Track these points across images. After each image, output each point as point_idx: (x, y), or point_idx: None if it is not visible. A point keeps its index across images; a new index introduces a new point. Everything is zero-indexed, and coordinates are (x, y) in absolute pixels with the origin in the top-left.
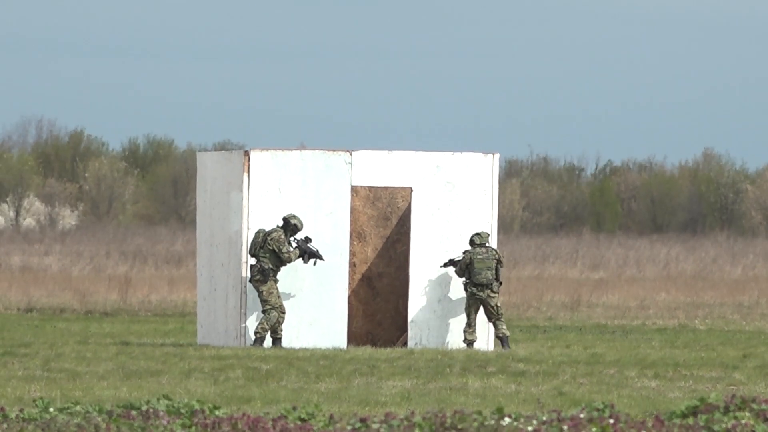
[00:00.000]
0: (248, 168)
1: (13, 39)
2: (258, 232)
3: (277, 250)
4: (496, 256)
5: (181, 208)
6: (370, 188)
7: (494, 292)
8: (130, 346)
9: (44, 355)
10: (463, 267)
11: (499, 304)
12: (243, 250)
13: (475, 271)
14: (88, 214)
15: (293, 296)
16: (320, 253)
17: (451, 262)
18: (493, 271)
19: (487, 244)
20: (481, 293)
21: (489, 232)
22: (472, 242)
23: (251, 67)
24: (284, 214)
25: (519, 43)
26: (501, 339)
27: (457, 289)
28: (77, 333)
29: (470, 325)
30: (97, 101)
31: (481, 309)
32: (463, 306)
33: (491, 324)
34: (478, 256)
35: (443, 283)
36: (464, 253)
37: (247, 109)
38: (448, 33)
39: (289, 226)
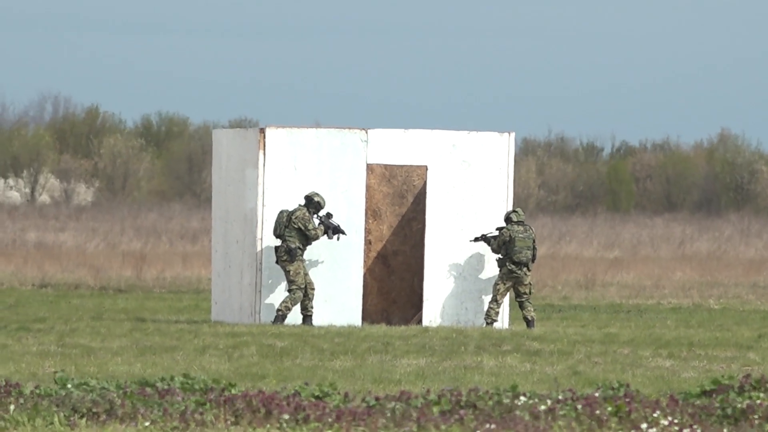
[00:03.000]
0: (263, 145)
1: (30, 16)
2: (281, 213)
3: (303, 228)
4: (533, 235)
5: (195, 185)
6: (386, 166)
7: (530, 271)
8: (144, 322)
9: (59, 330)
10: (501, 244)
11: (532, 283)
12: (258, 227)
13: (516, 249)
14: (103, 191)
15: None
16: (342, 227)
17: (484, 238)
18: (532, 250)
19: (525, 222)
20: (519, 271)
21: (519, 210)
22: (509, 219)
23: (267, 43)
24: (306, 192)
25: (536, 21)
26: (528, 321)
27: (472, 267)
28: (92, 309)
29: (498, 304)
30: (113, 78)
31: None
32: (478, 284)
33: (518, 303)
34: (520, 235)
35: (459, 261)
36: (499, 229)
37: (263, 86)
38: (465, 11)
39: (312, 203)
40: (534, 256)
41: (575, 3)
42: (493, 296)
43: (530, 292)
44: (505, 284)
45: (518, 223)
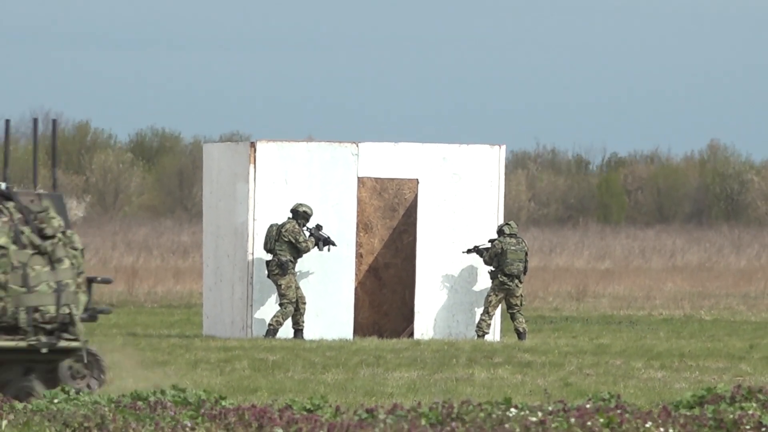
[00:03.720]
0: (254, 159)
1: (20, 32)
2: (271, 227)
3: (294, 241)
4: (526, 248)
5: (187, 199)
6: (377, 180)
7: (521, 283)
8: (136, 337)
9: None
10: (493, 256)
11: (523, 294)
12: (249, 241)
13: (508, 261)
14: (95, 206)
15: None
16: (332, 239)
17: (476, 249)
18: (524, 263)
19: (517, 235)
20: (510, 283)
21: (512, 223)
22: (501, 232)
23: (258, 58)
24: (291, 206)
25: (526, 34)
26: (519, 333)
27: (463, 280)
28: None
29: (489, 316)
30: (104, 94)
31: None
32: (469, 297)
33: (510, 315)
34: (512, 247)
35: (450, 274)
36: (491, 241)
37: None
38: (456, 24)
39: (299, 214)
40: (526, 268)
41: (566, 16)
42: (485, 308)
43: (521, 304)
44: (497, 296)
45: (511, 235)
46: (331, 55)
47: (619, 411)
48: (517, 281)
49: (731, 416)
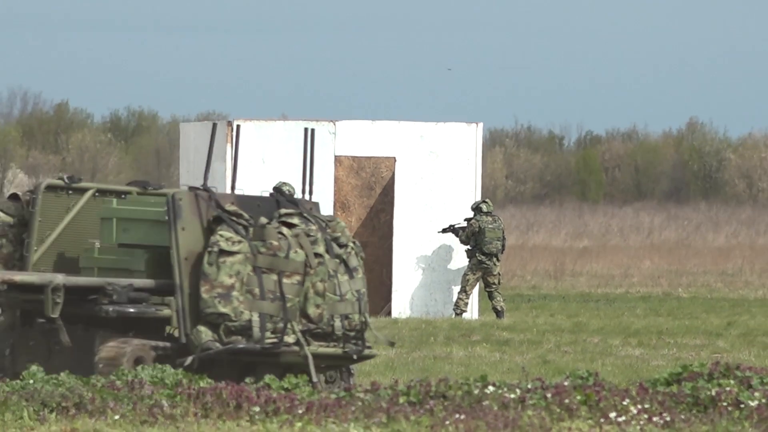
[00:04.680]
0: (231, 138)
1: None
2: None
3: None
4: (503, 226)
5: (164, 179)
6: (354, 158)
7: (499, 261)
8: None
9: None
10: (470, 234)
11: (501, 273)
12: None
13: (486, 240)
14: None
15: None
16: None
17: (452, 229)
18: (502, 241)
19: (493, 213)
20: (488, 262)
21: (489, 201)
22: (479, 209)
23: (235, 38)
24: (274, 184)
25: (502, 12)
26: (497, 311)
27: (440, 258)
28: None
29: (467, 295)
30: (82, 74)
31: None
32: (447, 275)
33: (487, 293)
34: (489, 225)
35: (427, 252)
36: (467, 220)
37: (231, 80)
38: (432, 3)
39: (283, 194)
40: (503, 246)
41: None
42: (462, 287)
43: (499, 283)
44: (474, 275)
45: (487, 213)
46: (308, 33)
47: (596, 388)
48: (495, 260)
49: (709, 393)
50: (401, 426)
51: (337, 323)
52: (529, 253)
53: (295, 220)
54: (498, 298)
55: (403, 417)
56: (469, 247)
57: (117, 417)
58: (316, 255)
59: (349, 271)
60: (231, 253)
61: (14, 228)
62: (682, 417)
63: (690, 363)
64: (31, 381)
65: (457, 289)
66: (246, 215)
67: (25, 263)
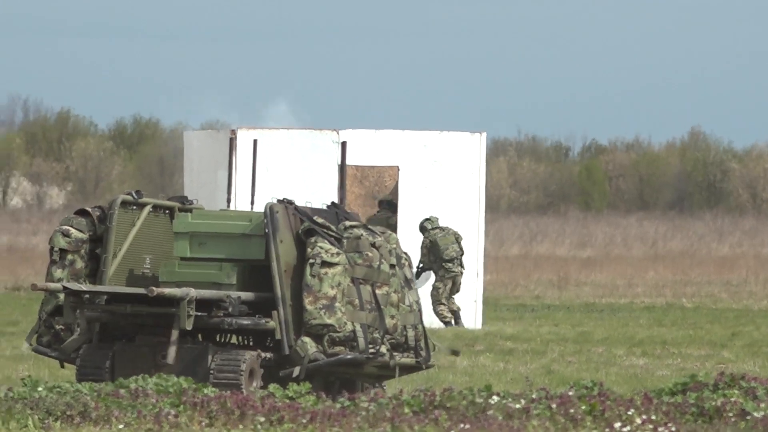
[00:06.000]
0: (235, 147)
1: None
2: None
3: None
4: (453, 231)
5: (167, 187)
6: (357, 167)
7: (463, 268)
8: None
9: None
10: (426, 253)
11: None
12: None
13: (441, 247)
14: (76, 194)
15: None
16: None
17: (420, 268)
18: (458, 245)
19: (440, 225)
20: (454, 268)
21: (432, 217)
22: (424, 228)
23: (239, 46)
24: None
25: (506, 21)
26: (456, 313)
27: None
28: None
29: (444, 305)
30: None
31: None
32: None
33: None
34: (439, 235)
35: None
36: (419, 266)
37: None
38: (436, 11)
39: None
40: (462, 250)
41: (545, 3)
42: (436, 299)
43: (458, 291)
44: (445, 285)
45: (433, 229)
46: (312, 42)
47: (601, 398)
48: (459, 266)
49: (714, 403)
50: None
51: (410, 333)
52: (533, 263)
53: (362, 232)
54: (455, 301)
55: (408, 427)
56: (431, 262)
57: (121, 426)
58: (390, 266)
59: (408, 283)
60: (332, 265)
61: (87, 244)
62: (687, 427)
63: (695, 373)
64: (35, 389)
65: (457, 297)
66: (333, 227)
67: (102, 278)
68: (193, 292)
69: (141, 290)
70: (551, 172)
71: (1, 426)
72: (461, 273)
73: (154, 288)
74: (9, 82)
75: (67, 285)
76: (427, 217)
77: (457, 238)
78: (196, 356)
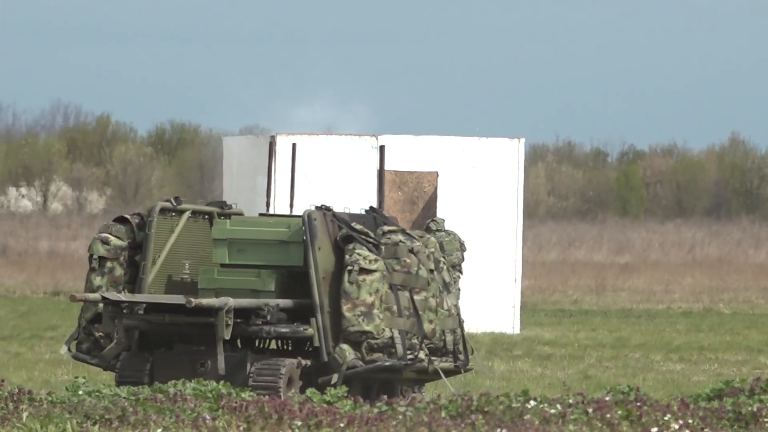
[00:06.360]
0: (274, 153)
1: (39, 25)
2: None
3: None
4: (459, 238)
5: (207, 192)
6: (396, 173)
7: (462, 273)
8: None
9: None
10: None
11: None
12: None
13: (447, 252)
14: (115, 199)
15: None
16: None
17: None
18: (461, 251)
19: (446, 229)
20: (455, 275)
21: (437, 219)
22: (428, 229)
23: (278, 51)
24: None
25: (544, 27)
26: None
27: (480, 272)
28: None
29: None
30: (124, 87)
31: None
32: (487, 289)
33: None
34: (445, 239)
35: (469, 267)
36: None
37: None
38: (474, 16)
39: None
40: (463, 257)
41: (582, 7)
42: None
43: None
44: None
45: (438, 230)
46: (351, 47)
47: (638, 404)
48: (459, 272)
49: (750, 409)
50: None
51: (449, 338)
52: (570, 269)
53: (400, 237)
54: None
55: (445, 431)
56: None
57: (159, 430)
58: (429, 271)
59: (446, 287)
60: (370, 272)
61: (126, 251)
62: None
63: (731, 379)
64: (75, 393)
65: (495, 302)
66: (371, 233)
67: (141, 285)
68: (232, 302)
69: (180, 300)
70: (589, 178)
71: (40, 430)
72: (459, 278)
73: (192, 299)
74: (49, 88)
75: (106, 295)
76: (433, 218)
77: (461, 246)
78: (236, 363)
